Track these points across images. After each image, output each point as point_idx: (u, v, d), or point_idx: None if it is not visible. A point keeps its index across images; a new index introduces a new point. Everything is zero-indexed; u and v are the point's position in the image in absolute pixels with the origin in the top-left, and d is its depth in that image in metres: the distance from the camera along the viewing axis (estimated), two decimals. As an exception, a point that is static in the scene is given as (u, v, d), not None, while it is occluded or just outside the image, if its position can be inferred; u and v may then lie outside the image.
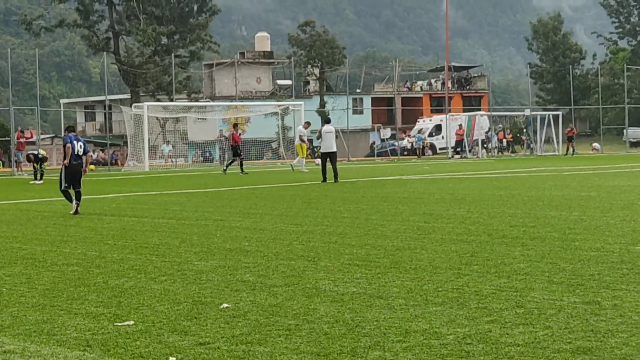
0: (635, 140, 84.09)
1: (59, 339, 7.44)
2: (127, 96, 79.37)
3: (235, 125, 47.31)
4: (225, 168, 45.92)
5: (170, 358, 6.68)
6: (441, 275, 10.13)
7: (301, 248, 12.87)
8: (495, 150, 72.26)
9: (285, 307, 8.51)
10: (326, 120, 34.23)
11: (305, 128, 46.82)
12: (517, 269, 10.44)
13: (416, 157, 71.21)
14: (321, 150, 33.40)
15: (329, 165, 32.01)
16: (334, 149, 32.59)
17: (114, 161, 68.95)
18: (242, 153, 45.42)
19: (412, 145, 75.75)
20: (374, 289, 9.36)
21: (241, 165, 44.59)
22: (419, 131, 78.27)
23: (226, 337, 7.34)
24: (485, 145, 71.52)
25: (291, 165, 46.19)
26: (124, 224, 17.32)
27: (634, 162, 46.52)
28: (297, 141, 47.28)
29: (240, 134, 46.13)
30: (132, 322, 7.97)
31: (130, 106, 62.19)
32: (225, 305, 8.68)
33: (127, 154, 62.90)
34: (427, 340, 7.03)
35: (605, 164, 45.66)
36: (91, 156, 60.61)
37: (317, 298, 8.94)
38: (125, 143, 66.32)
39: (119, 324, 7.96)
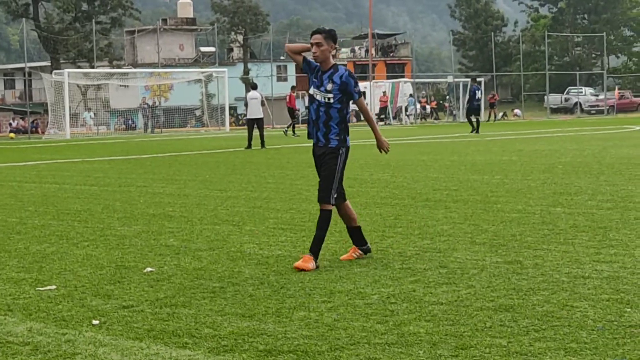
0: (555, 107, 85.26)
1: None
2: (47, 63, 78.14)
3: (292, 88, 47.67)
4: (285, 130, 45.97)
5: (94, 321, 6.61)
6: (365, 237, 10.16)
7: (225, 213, 12.82)
8: (413, 117, 72.50)
9: (209, 271, 8.48)
10: (252, 86, 34.07)
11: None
12: (441, 230, 10.53)
13: None
14: (247, 117, 33.29)
15: (255, 132, 31.91)
16: (261, 115, 32.47)
17: (34, 129, 67.88)
18: (297, 116, 46.04)
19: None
20: (299, 251, 9.37)
21: (293, 127, 45.32)
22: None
23: (150, 300, 7.29)
24: (406, 113, 71.88)
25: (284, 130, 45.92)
26: (45, 191, 17.08)
27: (554, 128, 47.21)
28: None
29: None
30: (54, 287, 7.88)
31: (51, 73, 61.28)
32: (149, 269, 8.62)
33: (47, 122, 61.97)
34: (351, 300, 7.06)
35: (527, 129, 46.25)
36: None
37: (242, 261, 8.92)
38: (46, 111, 65.35)
39: (41, 288, 7.86)
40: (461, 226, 10.82)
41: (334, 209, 8.74)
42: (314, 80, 8.74)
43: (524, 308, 6.63)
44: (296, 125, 47.27)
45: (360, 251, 8.89)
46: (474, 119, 42.37)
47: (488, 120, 67.74)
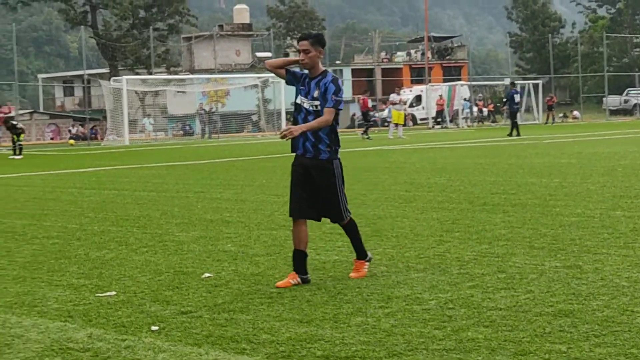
0: (614, 108, 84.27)
1: (40, 310, 7.41)
2: (105, 70, 78.87)
3: (365, 91, 47.85)
4: (363, 133, 45.88)
5: (153, 327, 6.66)
6: (423, 242, 10.15)
7: (282, 218, 12.85)
8: (469, 120, 72.11)
9: (267, 276, 8.50)
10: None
11: (397, 94, 46.84)
12: (499, 235, 10.46)
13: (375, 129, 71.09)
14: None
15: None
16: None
17: (93, 136, 68.60)
18: (371, 119, 46.22)
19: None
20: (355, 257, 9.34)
21: (367, 130, 45.54)
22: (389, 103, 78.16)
23: (208, 305, 7.33)
24: (464, 116, 71.52)
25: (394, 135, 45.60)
26: (104, 197, 17.26)
27: (613, 130, 46.68)
28: (391, 108, 47.33)
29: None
30: (113, 293, 7.95)
31: (109, 80, 61.86)
32: (207, 274, 8.66)
33: (106, 129, 62.58)
34: (409, 305, 7.04)
35: (585, 131, 45.79)
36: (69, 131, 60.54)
37: (299, 266, 8.92)
38: (105, 117, 65.95)
39: (101, 294, 7.94)
40: (519, 230, 10.74)
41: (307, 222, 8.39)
42: (301, 88, 8.34)
43: (583, 313, 6.56)
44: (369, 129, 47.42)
45: (299, 279, 8.11)
46: (512, 123, 43.45)
47: (546, 123, 67.15)
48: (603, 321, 6.31)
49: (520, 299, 7.09)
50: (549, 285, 7.56)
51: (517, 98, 44.77)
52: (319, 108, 8.20)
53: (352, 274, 8.30)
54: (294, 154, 8.39)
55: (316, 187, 8.24)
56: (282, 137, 8.11)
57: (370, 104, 47.31)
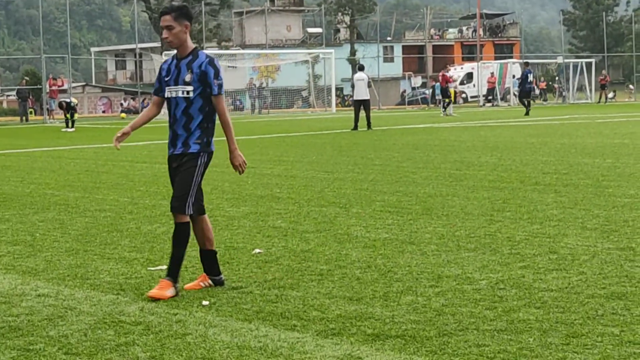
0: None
1: (92, 283, 7.48)
2: (157, 44, 79.21)
3: (445, 67, 47.94)
4: (444, 110, 45.61)
5: (204, 302, 6.70)
6: (473, 221, 10.10)
7: (332, 195, 12.85)
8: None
9: (317, 253, 8.52)
10: (359, 68, 34.13)
11: (448, 71, 47.07)
12: (550, 215, 10.38)
13: (427, 106, 70.81)
14: (354, 98, 33.36)
15: (362, 114, 31.92)
16: (367, 97, 32.48)
17: (144, 109, 68.99)
18: (450, 95, 46.27)
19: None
20: (405, 235, 9.34)
21: (447, 105, 45.40)
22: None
23: (259, 281, 7.36)
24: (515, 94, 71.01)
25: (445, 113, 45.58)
26: (156, 171, 17.37)
27: (667, 110, 46.05)
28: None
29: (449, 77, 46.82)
30: (164, 267, 8.00)
31: (161, 54, 62.14)
32: (257, 250, 8.70)
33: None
34: (459, 285, 7.01)
35: (639, 111, 45.22)
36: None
37: (349, 244, 8.94)
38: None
39: (152, 268, 8.00)
40: (571, 211, 10.65)
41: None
42: (167, 79, 7.26)
43: (637, 296, 6.49)
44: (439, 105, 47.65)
45: (210, 281, 7.28)
46: (526, 102, 43.93)
47: (599, 102, 66.44)
48: (656, 305, 6.24)
49: (572, 281, 7.04)
50: (601, 267, 7.49)
51: (530, 77, 45.87)
52: (191, 95, 7.15)
53: (151, 292, 6.92)
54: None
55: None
56: (242, 172, 7.46)
57: (450, 80, 47.42)
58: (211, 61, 7.14)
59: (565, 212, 10.60)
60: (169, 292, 6.87)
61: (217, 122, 7.29)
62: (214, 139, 7.33)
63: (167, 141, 7.41)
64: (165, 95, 7.28)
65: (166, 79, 7.26)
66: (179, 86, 7.17)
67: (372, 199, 12.31)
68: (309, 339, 5.67)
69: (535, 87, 77.23)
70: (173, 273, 7.02)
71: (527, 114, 42.33)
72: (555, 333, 5.62)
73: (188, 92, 7.14)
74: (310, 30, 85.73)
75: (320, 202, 12.18)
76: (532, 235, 9.13)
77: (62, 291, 7.20)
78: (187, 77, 7.13)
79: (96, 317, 6.35)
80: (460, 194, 12.55)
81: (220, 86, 7.17)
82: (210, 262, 7.34)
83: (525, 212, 10.70)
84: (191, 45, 7.24)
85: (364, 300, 6.61)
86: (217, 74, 7.14)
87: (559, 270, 7.45)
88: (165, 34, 7.17)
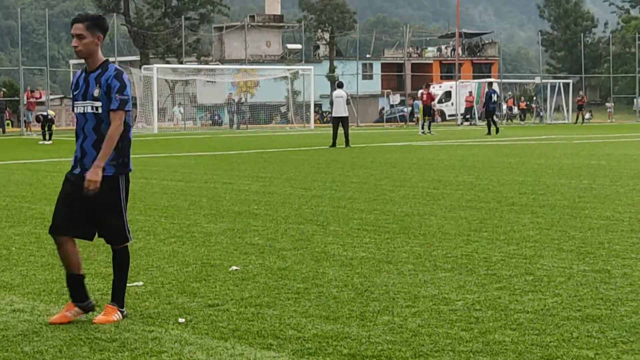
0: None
1: (67, 298, 7.41)
2: (136, 58, 79.07)
3: (427, 86, 47.69)
4: (426, 130, 44.98)
5: (180, 319, 6.69)
6: (450, 241, 10.13)
7: (310, 212, 12.86)
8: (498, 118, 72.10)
9: (294, 271, 8.51)
10: (338, 85, 34.19)
11: (425, 90, 46.81)
12: (527, 236, 10.42)
13: (405, 123, 70.93)
14: (332, 115, 33.42)
15: (340, 131, 31.98)
16: (346, 114, 32.55)
17: (122, 123, 68.77)
18: (432, 113, 46.80)
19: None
20: (382, 254, 9.36)
21: (429, 124, 45.48)
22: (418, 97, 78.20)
23: (235, 299, 7.35)
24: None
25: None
26: (133, 186, 17.12)
27: (644, 132, 46.34)
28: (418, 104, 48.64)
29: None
30: (141, 283, 7.99)
31: (140, 68, 62.08)
32: (234, 267, 8.69)
33: (135, 116, 62.82)
34: (436, 305, 7.03)
35: (615, 133, 45.51)
36: None
37: (326, 262, 8.94)
38: (135, 105, 66.19)
39: (128, 284, 7.96)
40: (548, 232, 10.70)
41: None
42: (76, 93, 6.85)
43: (611, 319, 6.53)
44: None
45: (77, 308, 6.78)
46: (490, 121, 44.42)
47: (576, 123, 66.80)
48: (631, 327, 6.28)
49: (548, 303, 7.06)
50: (577, 289, 7.53)
51: (494, 97, 46.53)
52: (100, 111, 6.73)
53: (97, 318, 6.74)
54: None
55: (93, 203, 6.73)
56: (86, 193, 6.66)
57: (434, 98, 47.57)
58: (118, 74, 6.75)
59: (541, 233, 10.65)
60: (116, 316, 6.71)
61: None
62: (129, 159, 6.88)
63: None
64: (75, 111, 6.85)
65: (74, 93, 6.87)
66: (88, 101, 6.76)
67: (349, 217, 12.33)
68: (285, 358, 5.67)
69: (514, 106, 77.79)
70: (119, 298, 6.83)
71: (489, 133, 42.73)
72: (530, 355, 5.64)
73: (97, 108, 6.73)
74: (289, 46, 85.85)
75: (297, 219, 12.18)
76: (508, 256, 9.16)
77: (38, 306, 7.17)
78: (96, 92, 6.73)
79: (71, 333, 6.33)
80: (438, 213, 12.59)
81: (122, 102, 6.70)
82: (77, 287, 6.84)
83: (502, 232, 10.74)
84: (101, 58, 6.84)
85: (341, 320, 6.62)
86: (121, 89, 6.70)
87: (535, 291, 7.48)
88: (75, 42, 6.77)
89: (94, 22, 6.80)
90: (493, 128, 43.54)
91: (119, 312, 6.75)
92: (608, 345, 5.83)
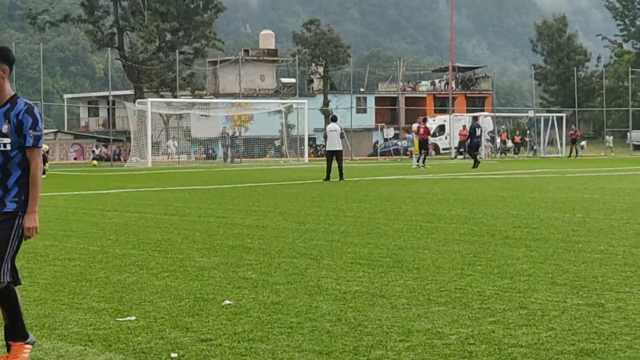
0: (638, 144, 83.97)
1: (60, 333, 7.41)
2: (130, 92, 79.35)
3: (424, 120, 47.75)
4: (421, 164, 44.81)
5: (172, 354, 6.65)
6: (444, 275, 10.11)
7: (304, 246, 12.84)
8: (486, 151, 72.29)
9: (287, 305, 8.48)
10: (332, 118, 34.29)
11: (420, 124, 46.44)
12: (520, 270, 10.40)
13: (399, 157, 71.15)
14: (326, 148, 33.47)
15: (334, 164, 32.01)
16: (340, 148, 32.58)
17: (116, 157, 68.92)
18: (428, 147, 47.28)
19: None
20: (376, 288, 9.33)
21: (424, 158, 45.60)
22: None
23: (228, 334, 7.31)
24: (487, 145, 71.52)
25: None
26: (127, 220, 17.30)
27: (637, 165, 46.47)
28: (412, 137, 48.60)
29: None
30: (133, 318, 7.95)
31: (134, 102, 62.26)
32: (227, 302, 8.65)
33: (130, 150, 62.89)
34: (429, 340, 7.00)
35: (609, 166, 45.61)
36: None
37: (319, 296, 8.91)
38: (129, 139, 66.34)
39: (121, 319, 7.94)
40: (542, 266, 10.68)
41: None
42: None
43: (605, 353, 6.50)
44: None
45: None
46: (474, 155, 45.41)
47: (570, 156, 66.97)
48: (625, 362, 6.26)
49: (542, 337, 7.04)
50: (570, 323, 7.51)
51: (478, 132, 47.35)
52: (9, 148, 6.32)
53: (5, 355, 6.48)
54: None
55: None
56: (28, 238, 6.40)
57: (430, 131, 47.81)
58: (29, 109, 6.33)
59: (535, 266, 10.64)
60: (26, 353, 6.43)
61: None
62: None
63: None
64: None
65: None
66: None
67: (343, 250, 12.31)
68: (277, 394, 5.63)
69: (508, 140, 78.00)
70: (21, 334, 6.46)
71: (474, 166, 43.03)
72: (524, 390, 5.61)
73: (5, 145, 6.30)
74: (283, 80, 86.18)
75: (291, 253, 12.16)
76: (502, 289, 9.14)
77: (29, 341, 7.12)
78: (4, 128, 6.29)
79: (63, 368, 6.28)
80: (432, 247, 12.57)
81: (36, 138, 6.32)
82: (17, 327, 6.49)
83: (495, 266, 10.72)
84: (10, 92, 6.40)
85: (334, 354, 6.59)
86: (34, 124, 6.30)
87: (529, 325, 7.46)
88: None
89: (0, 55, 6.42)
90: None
91: (27, 347, 6.44)
92: (602, 380, 5.81)
